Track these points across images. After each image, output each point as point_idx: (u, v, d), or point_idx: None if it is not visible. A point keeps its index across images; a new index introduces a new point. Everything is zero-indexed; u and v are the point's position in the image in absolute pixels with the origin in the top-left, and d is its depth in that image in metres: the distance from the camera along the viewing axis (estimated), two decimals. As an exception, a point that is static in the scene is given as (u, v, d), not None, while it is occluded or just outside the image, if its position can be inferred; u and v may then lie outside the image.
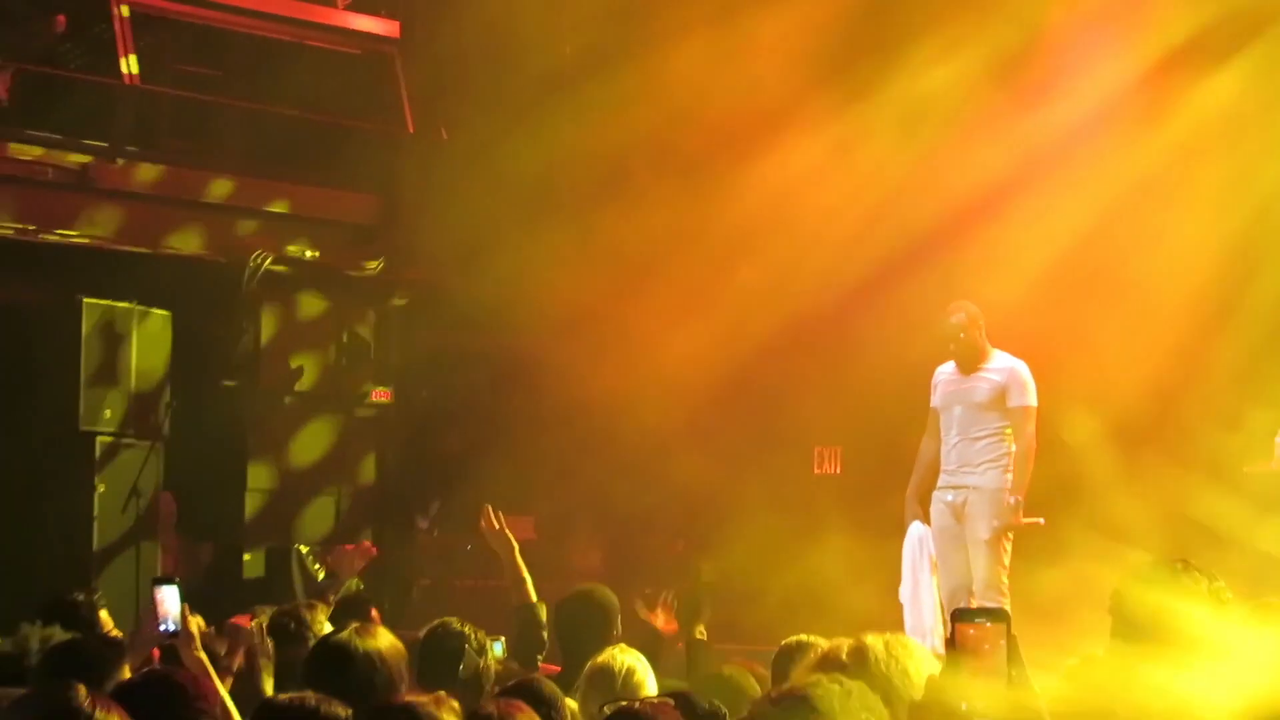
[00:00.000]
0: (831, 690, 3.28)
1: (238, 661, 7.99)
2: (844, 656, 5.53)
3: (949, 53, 15.63)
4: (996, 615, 4.06)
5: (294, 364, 17.79)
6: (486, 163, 17.41)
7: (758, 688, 7.46)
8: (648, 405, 15.96)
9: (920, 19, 15.87)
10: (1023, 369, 12.19)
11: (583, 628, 8.72)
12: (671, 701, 5.41)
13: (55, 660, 6.43)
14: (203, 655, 6.53)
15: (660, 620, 10.07)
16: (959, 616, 4.06)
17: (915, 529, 12.79)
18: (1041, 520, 12.31)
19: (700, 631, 9.33)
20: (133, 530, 15.82)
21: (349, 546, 12.66)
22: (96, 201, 16.44)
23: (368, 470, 18.38)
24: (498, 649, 9.84)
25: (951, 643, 3.97)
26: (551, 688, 6.09)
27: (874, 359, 14.54)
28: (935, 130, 15.75)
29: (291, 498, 17.78)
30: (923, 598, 12.73)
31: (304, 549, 17.28)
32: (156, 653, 8.01)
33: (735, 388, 16.36)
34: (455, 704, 5.02)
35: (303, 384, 17.88)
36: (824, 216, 15.81)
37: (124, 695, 4.97)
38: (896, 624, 12.83)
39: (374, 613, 10.16)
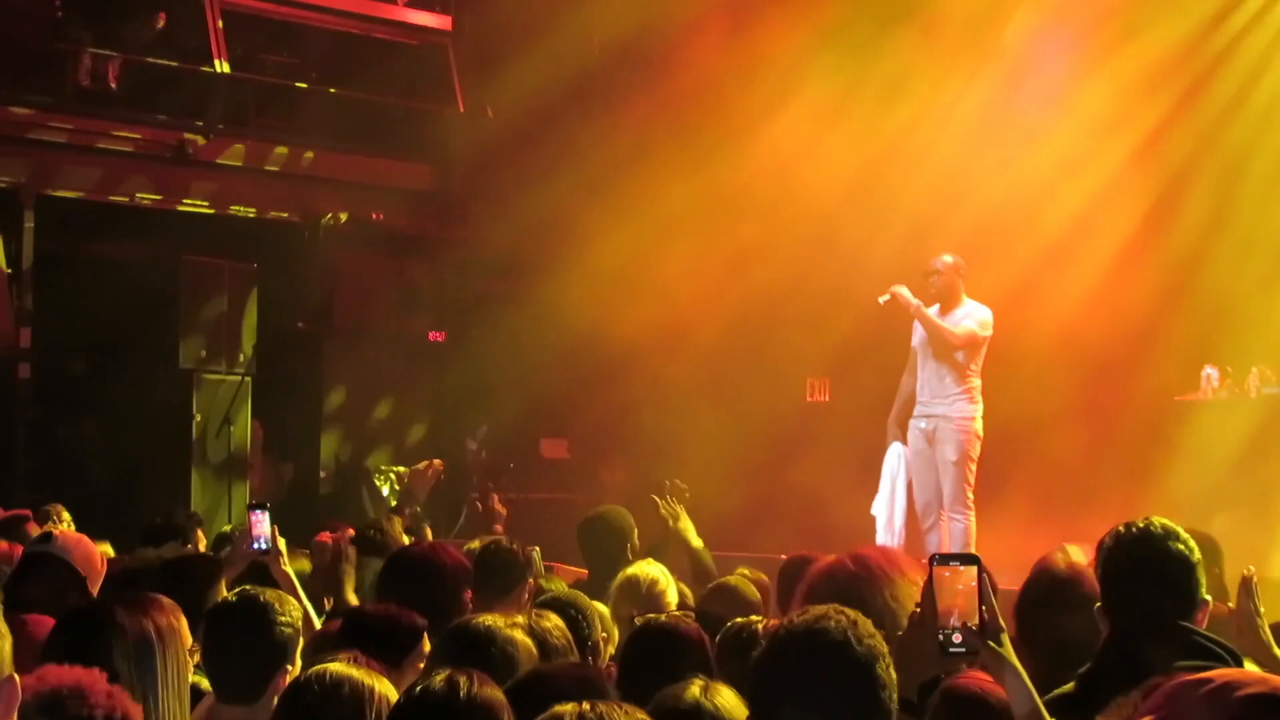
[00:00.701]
0: (841, 621, 3.30)
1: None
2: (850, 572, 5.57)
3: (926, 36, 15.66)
4: (969, 560, 4.00)
5: (359, 308, 17.79)
6: (527, 137, 17.39)
7: (757, 594, 7.47)
8: (665, 343, 15.99)
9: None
10: (986, 311, 12.17)
11: (604, 543, 8.70)
12: (691, 615, 5.46)
13: (166, 575, 6.40)
14: (289, 570, 6.56)
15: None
16: (937, 560, 3.98)
17: (895, 448, 12.81)
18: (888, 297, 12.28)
19: (695, 538, 9.21)
20: (225, 454, 15.89)
21: (422, 466, 12.60)
22: (193, 173, 16.44)
23: (425, 400, 18.40)
24: (535, 555, 9.94)
25: (929, 584, 3.93)
26: (581, 600, 6.07)
27: (859, 304, 14.50)
28: (914, 103, 15.73)
29: (360, 425, 17.82)
30: (896, 504, 12.78)
31: (371, 469, 17.34)
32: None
33: (739, 327, 16.33)
34: (520, 619, 5.04)
35: (369, 324, 17.89)
36: (816, 182, 15.73)
37: (219, 614, 5.04)
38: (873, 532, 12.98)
39: (427, 530, 10.11)
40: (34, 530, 10.03)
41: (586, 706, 2.95)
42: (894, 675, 3.28)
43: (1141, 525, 4.75)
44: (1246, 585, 5.42)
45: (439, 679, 3.46)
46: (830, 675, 3.20)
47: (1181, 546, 4.67)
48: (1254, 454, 12.75)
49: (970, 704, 3.85)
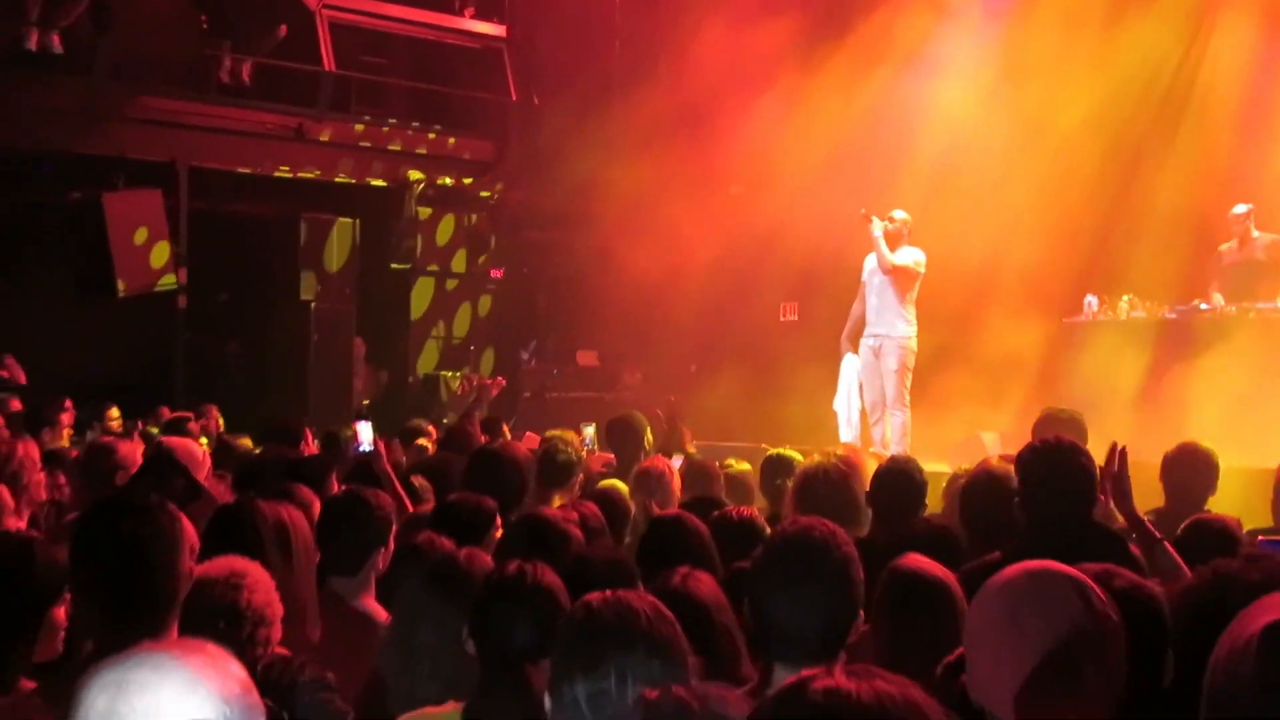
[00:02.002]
0: (823, 530, 3.19)
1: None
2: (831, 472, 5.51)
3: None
4: None
5: (437, 252, 17.73)
6: (567, 119, 17.28)
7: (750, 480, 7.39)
8: (670, 275, 15.89)
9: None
10: (921, 253, 12.05)
11: (625, 439, 8.62)
12: (691, 505, 5.36)
13: (291, 471, 6.31)
14: (388, 467, 6.46)
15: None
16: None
17: (849, 359, 12.75)
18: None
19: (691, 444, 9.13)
20: (336, 366, 15.82)
21: (488, 382, 12.53)
22: (308, 149, 16.34)
23: (487, 322, 18.36)
24: (589, 433, 9.86)
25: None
26: (618, 494, 5.98)
27: (823, 243, 14.40)
28: (870, 88, 15.60)
29: (439, 341, 17.79)
30: (851, 404, 12.73)
31: (448, 375, 17.30)
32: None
33: (727, 262, 16.25)
34: (572, 513, 4.94)
35: (443, 265, 17.83)
36: (791, 150, 15.67)
37: (330, 506, 4.94)
38: (827, 423, 12.94)
39: (505, 428, 10.01)
40: (195, 429, 9.95)
41: (610, 594, 2.83)
42: (862, 576, 3.17)
43: (1054, 442, 4.68)
44: (1117, 454, 5.26)
45: (511, 568, 3.35)
46: (814, 575, 3.10)
47: (1085, 461, 4.59)
48: (1123, 363, 12.68)
49: (914, 580, 3.71)
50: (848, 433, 12.62)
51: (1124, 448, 5.25)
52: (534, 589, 3.28)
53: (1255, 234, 12.54)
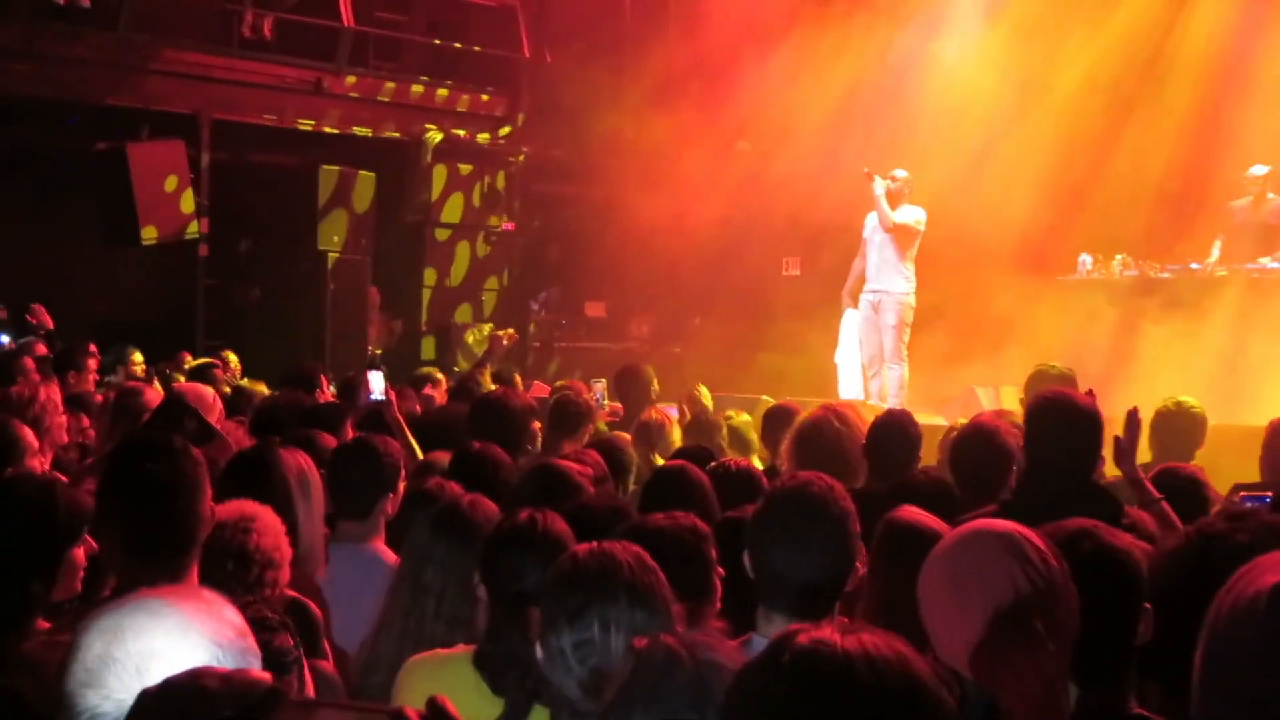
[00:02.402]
0: (821, 485, 3.16)
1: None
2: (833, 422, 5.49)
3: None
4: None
5: (451, 205, 17.66)
6: (578, 75, 17.18)
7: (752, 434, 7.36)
8: (678, 229, 15.84)
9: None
10: (921, 211, 12.00)
11: (632, 389, 8.61)
12: (690, 455, 5.33)
13: (307, 417, 6.33)
14: (399, 415, 6.45)
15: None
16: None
17: (849, 314, 12.72)
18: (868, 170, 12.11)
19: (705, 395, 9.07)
20: (352, 314, 15.79)
21: (500, 334, 12.48)
22: (327, 102, 16.24)
23: (500, 273, 18.30)
24: (600, 388, 9.84)
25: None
26: (622, 443, 5.96)
27: (826, 200, 14.34)
28: (885, 34, 15.50)
29: (452, 290, 17.75)
30: (850, 360, 12.72)
31: (460, 325, 17.29)
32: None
33: (732, 218, 16.19)
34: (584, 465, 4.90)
35: (457, 218, 17.77)
36: (797, 107, 15.61)
37: (341, 453, 4.93)
38: (827, 374, 12.93)
39: (518, 379, 9.98)
40: (220, 375, 9.93)
41: (595, 545, 2.84)
42: (858, 529, 3.15)
43: (1065, 395, 4.64)
44: (1132, 417, 5.27)
45: (522, 516, 3.34)
46: (812, 529, 3.09)
47: (1094, 417, 4.54)
48: (1116, 321, 12.65)
49: (909, 532, 3.67)
50: (849, 386, 12.60)
51: (1135, 409, 5.25)
52: (543, 536, 3.28)
53: (1270, 196, 12.42)
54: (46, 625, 3.33)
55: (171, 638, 1.88)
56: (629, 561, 2.78)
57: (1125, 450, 5.02)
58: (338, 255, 15.58)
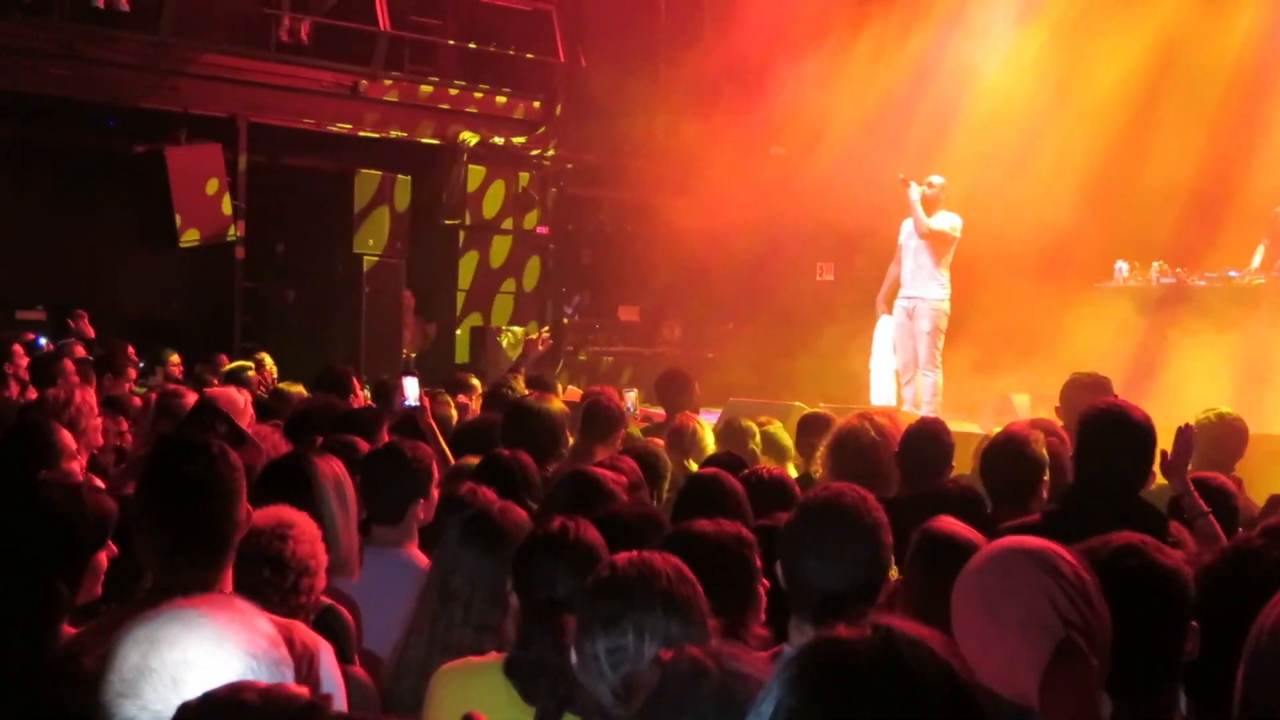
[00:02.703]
0: (854, 495, 3.15)
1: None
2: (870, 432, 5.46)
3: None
4: None
5: (485, 208, 17.69)
6: (613, 79, 17.18)
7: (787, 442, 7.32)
8: (711, 233, 15.81)
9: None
10: (957, 218, 11.92)
11: (674, 394, 8.57)
12: (722, 462, 5.31)
13: (342, 422, 6.32)
14: (432, 421, 6.44)
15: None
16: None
17: (883, 320, 12.66)
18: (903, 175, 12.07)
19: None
20: (387, 316, 15.84)
21: (534, 338, 12.48)
22: (363, 106, 16.31)
23: (533, 277, 18.32)
24: (631, 397, 9.83)
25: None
26: (655, 450, 5.93)
27: (860, 205, 14.29)
28: (920, 40, 15.43)
29: (486, 294, 17.80)
30: (884, 366, 12.66)
31: (495, 329, 17.32)
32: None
33: (765, 222, 16.15)
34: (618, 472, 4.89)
35: (491, 221, 17.81)
36: (831, 112, 15.55)
37: (374, 458, 4.93)
38: (859, 379, 12.87)
39: (563, 388, 9.93)
40: (255, 378, 9.96)
41: (635, 554, 2.84)
42: (891, 540, 3.13)
43: (1119, 406, 4.57)
44: (1184, 433, 5.21)
45: (554, 524, 3.34)
46: (844, 538, 3.08)
47: (1148, 426, 4.47)
48: (1153, 329, 12.56)
49: (945, 543, 3.64)
50: (881, 393, 12.55)
51: (1188, 426, 5.20)
52: (575, 543, 3.27)
53: None
54: (71, 630, 3.36)
55: (206, 648, 1.90)
56: (668, 572, 2.78)
57: (1176, 465, 4.96)
58: (373, 258, 15.65)
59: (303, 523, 3.61)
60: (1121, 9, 14.70)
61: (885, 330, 12.65)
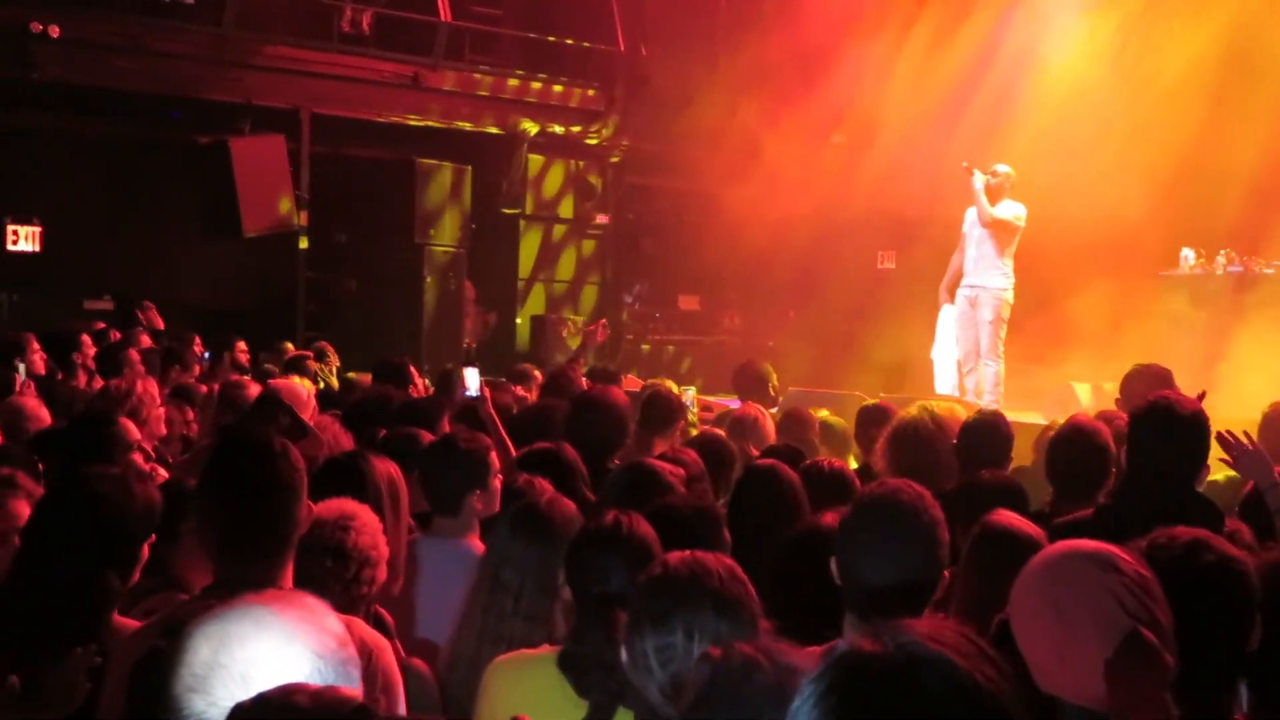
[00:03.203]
0: (911, 493, 3.13)
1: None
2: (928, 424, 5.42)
3: None
4: None
5: (546, 198, 17.73)
6: (671, 68, 17.17)
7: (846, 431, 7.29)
8: (771, 221, 15.77)
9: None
10: (1021, 207, 11.81)
11: (753, 384, 8.51)
12: (781, 453, 5.29)
13: (403, 413, 6.36)
14: (493, 412, 6.44)
15: None
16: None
17: (946, 310, 12.57)
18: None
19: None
20: (446, 305, 15.92)
21: (593, 327, 12.49)
22: (423, 96, 16.35)
23: (594, 266, 18.36)
24: (690, 394, 9.81)
25: None
26: (721, 441, 5.91)
27: (921, 193, 14.21)
28: (984, 26, 15.27)
29: (546, 283, 17.84)
30: (946, 355, 12.58)
31: (555, 318, 17.36)
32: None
33: (826, 210, 16.07)
34: (671, 463, 4.86)
35: (552, 211, 17.85)
36: (893, 100, 15.46)
37: (433, 450, 4.95)
38: (920, 369, 12.79)
39: (623, 377, 9.89)
40: (314, 366, 10.03)
41: (688, 553, 2.84)
42: (947, 538, 3.10)
43: (1172, 399, 4.50)
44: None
45: (608, 518, 3.33)
46: (901, 536, 3.06)
47: (1195, 419, 4.40)
48: (1218, 317, 12.40)
49: (1005, 538, 3.61)
50: (944, 382, 12.47)
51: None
52: (629, 538, 3.26)
53: None
54: (121, 619, 3.41)
55: (275, 646, 1.93)
56: (719, 571, 2.77)
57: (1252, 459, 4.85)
58: (434, 248, 15.73)
59: (364, 514, 3.64)
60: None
61: (948, 319, 12.57)
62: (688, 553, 2.83)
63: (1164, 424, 4.39)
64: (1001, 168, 11.88)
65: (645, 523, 3.31)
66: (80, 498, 3.57)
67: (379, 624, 3.72)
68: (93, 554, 3.46)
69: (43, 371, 9.07)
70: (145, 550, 3.55)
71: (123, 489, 3.58)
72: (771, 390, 8.59)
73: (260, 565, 3.11)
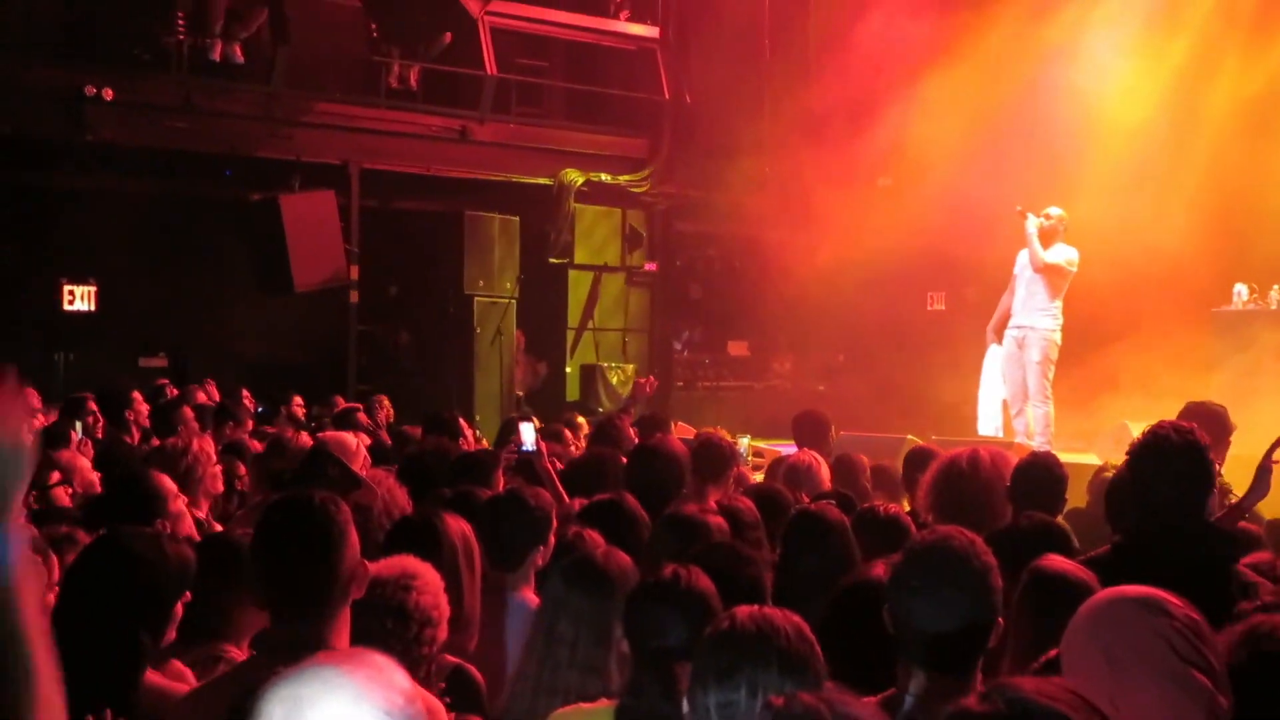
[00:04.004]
0: (962, 540, 3.14)
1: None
2: (964, 466, 5.40)
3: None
4: None
5: (593, 246, 17.82)
6: (716, 116, 17.25)
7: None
8: (820, 265, 15.79)
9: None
10: (1074, 251, 11.75)
11: (812, 433, 8.48)
12: (834, 500, 5.29)
13: (457, 467, 6.41)
14: (549, 466, 6.47)
15: None
16: None
17: (993, 349, 12.53)
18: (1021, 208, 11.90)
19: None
20: (497, 355, 16.00)
21: (642, 380, 12.51)
22: (471, 149, 16.49)
23: (642, 313, 18.41)
24: (744, 443, 9.79)
25: None
26: (776, 491, 5.90)
27: (970, 233, 14.19)
28: (1029, 66, 15.24)
29: (596, 331, 17.91)
30: (991, 396, 12.54)
31: (605, 366, 17.40)
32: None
33: (874, 253, 15.99)
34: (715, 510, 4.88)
35: (601, 259, 17.93)
36: (937, 142, 15.42)
37: (494, 505, 4.98)
38: (970, 411, 12.71)
39: (673, 424, 9.88)
40: (364, 420, 10.10)
41: (756, 609, 2.84)
42: (1000, 583, 3.11)
43: (1164, 432, 4.44)
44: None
45: (666, 571, 3.35)
46: (953, 581, 3.06)
47: (1197, 444, 4.35)
48: (1273, 354, 12.28)
49: (1057, 582, 3.61)
50: (989, 423, 12.41)
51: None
52: (686, 591, 3.28)
53: None
54: (155, 676, 3.45)
55: (345, 707, 1.99)
56: (787, 629, 2.77)
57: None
58: (483, 298, 15.83)
59: (426, 573, 3.66)
60: (1232, 30, 14.47)
61: (994, 360, 12.53)
62: (755, 608, 2.84)
63: (1156, 456, 4.35)
64: (1055, 210, 11.83)
65: (704, 576, 3.33)
66: (114, 557, 3.62)
67: (466, 682, 3.76)
68: (125, 613, 3.50)
69: (100, 433, 9.20)
70: (179, 609, 3.60)
71: (157, 548, 3.63)
72: (831, 439, 8.54)
73: (310, 622, 3.15)
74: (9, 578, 1.91)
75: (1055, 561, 3.72)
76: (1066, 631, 2.52)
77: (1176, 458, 4.33)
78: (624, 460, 6.50)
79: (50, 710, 1.90)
